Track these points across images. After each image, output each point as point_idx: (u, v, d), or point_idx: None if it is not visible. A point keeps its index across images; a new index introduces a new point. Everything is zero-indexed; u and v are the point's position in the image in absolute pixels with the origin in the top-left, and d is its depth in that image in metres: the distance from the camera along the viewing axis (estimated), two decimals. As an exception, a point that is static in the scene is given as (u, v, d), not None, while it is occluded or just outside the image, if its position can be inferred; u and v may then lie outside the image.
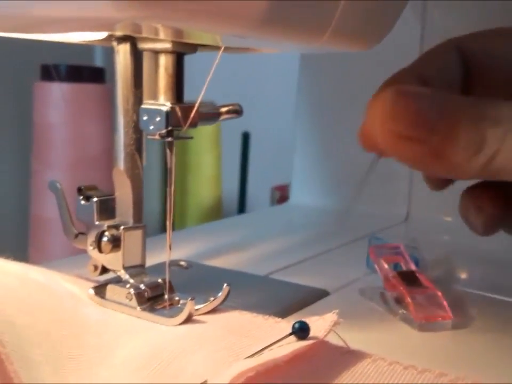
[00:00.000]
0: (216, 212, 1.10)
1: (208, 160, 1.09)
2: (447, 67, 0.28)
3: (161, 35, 0.25)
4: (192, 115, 0.28)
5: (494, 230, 0.30)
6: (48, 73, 0.85)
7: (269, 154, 1.13)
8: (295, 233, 0.49)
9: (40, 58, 0.83)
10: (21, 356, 0.23)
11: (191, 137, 0.30)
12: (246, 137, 1.09)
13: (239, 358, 0.23)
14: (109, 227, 0.30)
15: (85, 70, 0.87)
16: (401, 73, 0.28)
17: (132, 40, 0.28)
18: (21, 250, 0.91)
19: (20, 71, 0.97)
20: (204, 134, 1.06)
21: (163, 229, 0.29)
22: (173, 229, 0.30)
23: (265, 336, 0.25)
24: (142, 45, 0.28)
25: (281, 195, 0.96)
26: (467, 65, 0.28)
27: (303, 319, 0.24)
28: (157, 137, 0.28)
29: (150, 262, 0.32)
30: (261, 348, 0.23)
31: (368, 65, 0.47)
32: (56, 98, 0.84)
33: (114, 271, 0.30)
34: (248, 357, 0.22)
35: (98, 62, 1.11)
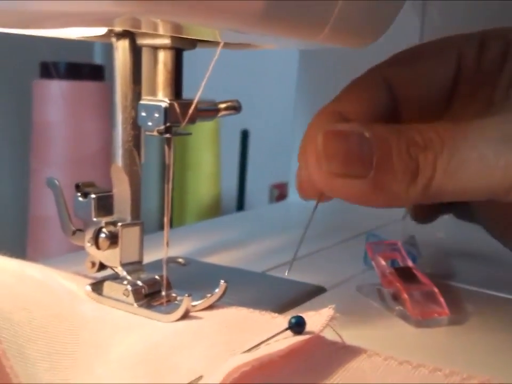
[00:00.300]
0: (215, 209, 1.10)
1: (207, 158, 1.09)
2: (372, 99, 0.28)
3: (160, 30, 0.25)
4: (190, 111, 0.28)
5: (430, 217, 0.31)
6: (48, 70, 0.85)
7: (268, 152, 1.13)
8: (293, 230, 0.49)
9: (39, 56, 0.83)
10: (17, 351, 0.23)
11: (190, 134, 0.30)
12: (245, 135, 1.09)
13: (235, 353, 0.23)
14: (107, 224, 0.30)
15: (84, 68, 0.86)
16: (323, 113, 0.28)
17: (130, 36, 0.28)
18: (19, 248, 0.91)
19: (19, 68, 0.97)
20: (203, 131, 1.06)
21: (161, 226, 0.29)
22: (172, 226, 0.30)
23: (261, 331, 0.25)
24: (141, 41, 0.28)
25: (280, 193, 0.96)
26: (393, 93, 0.29)
27: (300, 314, 0.25)
28: (155, 133, 0.28)
29: (148, 258, 0.32)
30: (257, 343, 0.23)
31: (367, 63, 0.47)
32: (56, 96, 0.84)
33: (111, 267, 0.30)
34: (244, 352, 0.23)
35: (98, 59, 1.11)
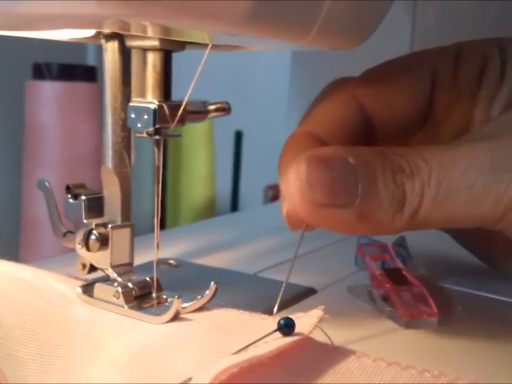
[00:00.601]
0: (209, 211, 1.10)
1: (201, 159, 1.09)
2: (345, 119, 0.27)
3: (149, 32, 0.25)
4: (179, 113, 0.28)
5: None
6: (40, 71, 0.85)
7: (261, 153, 1.13)
8: (286, 231, 0.49)
9: (31, 57, 0.83)
10: (6, 354, 0.23)
11: (180, 135, 0.30)
12: (238, 136, 1.09)
13: (225, 355, 0.23)
14: (97, 225, 0.30)
15: (77, 69, 0.86)
16: (297, 137, 0.26)
17: (120, 37, 0.28)
18: (12, 249, 0.90)
19: (11, 69, 0.97)
20: (196, 133, 1.05)
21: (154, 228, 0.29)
22: (164, 227, 0.30)
23: (251, 332, 0.25)
24: (130, 43, 0.28)
25: (274, 194, 0.96)
26: (366, 113, 0.28)
27: (289, 316, 0.25)
28: (144, 135, 0.28)
29: (140, 260, 0.32)
30: (246, 345, 0.23)
31: (359, 63, 0.47)
32: (48, 97, 0.84)
33: (102, 269, 0.30)
34: (234, 353, 0.23)
35: (91, 60, 1.11)
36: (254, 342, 0.23)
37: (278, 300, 0.28)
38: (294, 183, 0.23)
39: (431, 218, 0.23)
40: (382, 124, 0.28)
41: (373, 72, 0.29)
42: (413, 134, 0.29)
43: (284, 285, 0.28)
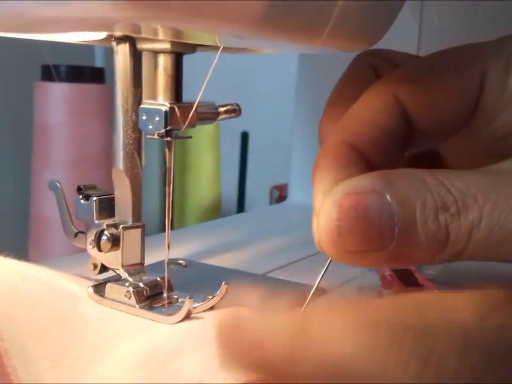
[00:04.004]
0: (215, 211, 1.10)
1: (207, 160, 1.09)
2: (385, 124, 0.24)
3: (160, 35, 0.26)
4: (190, 115, 0.28)
5: None
6: (49, 73, 0.85)
7: (268, 154, 1.14)
8: (294, 232, 0.50)
9: (40, 59, 0.83)
10: (19, 350, 0.23)
11: (190, 137, 0.30)
12: (245, 137, 1.09)
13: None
14: (108, 226, 0.30)
15: (85, 70, 0.87)
16: (332, 151, 0.24)
17: (131, 40, 0.29)
18: (21, 249, 0.91)
19: (20, 71, 0.98)
20: (203, 133, 1.06)
21: (162, 228, 0.30)
22: (172, 228, 0.30)
23: None
24: (141, 45, 0.28)
25: (280, 194, 0.96)
26: (406, 115, 0.25)
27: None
28: (155, 136, 0.28)
29: (149, 260, 0.32)
30: None
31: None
32: (57, 98, 0.85)
33: (113, 269, 0.31)
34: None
35: (99, 62, 1.11)
36: None
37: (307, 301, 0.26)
38: (324, 228, 0.21)
39: (476, 258, 0.21)
40: (422, 128, 0.25)
41: (415, 69, 0.26)
42: (450, 137, 0.26)
43: (314, 288, 0.27)
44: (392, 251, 0.20)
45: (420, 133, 0.25)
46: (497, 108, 0.25)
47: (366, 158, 0.24)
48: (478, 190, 0.20)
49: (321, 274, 0.26)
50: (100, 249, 0.30)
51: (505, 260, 0.21)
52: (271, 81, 1.15)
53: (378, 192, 0.20)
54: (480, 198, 0.20)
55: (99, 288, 0.30)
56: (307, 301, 0.26)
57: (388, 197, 0.20)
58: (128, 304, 0.29)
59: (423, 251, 0.20)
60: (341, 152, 0.24)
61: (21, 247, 0.91)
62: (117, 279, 0.30)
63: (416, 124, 0.25)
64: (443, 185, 0.20)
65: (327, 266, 0.25)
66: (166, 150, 0.28)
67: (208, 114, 0.30)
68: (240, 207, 1.11)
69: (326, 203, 0.21)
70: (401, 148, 0.25)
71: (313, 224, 0.23)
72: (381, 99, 0.25)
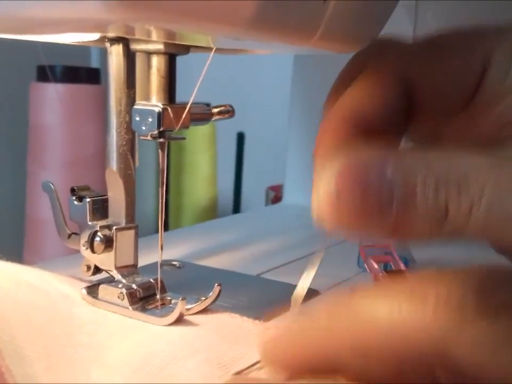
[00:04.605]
0: (211, 212, 1.10)
1: (203, 160, 1.09)
2: (390, 96, 0.24)
3: (154, 36, 0.26)
4: (183, 116, 0.28)
5: None
6: (44, 73, 0.85)
7: (263, 155, 1.14)
8: (289, 233, 0.50)
9: (36, 59, 0.83)
10: (13, 352, 0.23)
11: (184, 138, 0.30)
12: (241, 138, 1.09)
13: (228, 370, 0.23)
14: (102, 227, 0.30)
15: (81, 71, 0.87)
16: (339, 116, 0.24)
17: (124, 41, 0.29)
18: (16, 251, 0.91)
19: (15, 71, 0.97)
20: (199, 134, 1.06)
21: (157, 229, 0.30)
22: (168, 229, 0.30)
23: (254, 343, 0.25)
24: (135, 46, 0.28)
25: (276, 195, 0.96)
26: (411, 93, 0.25)
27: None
28: (149, 138, 0.28)
29: (143, 261, 0.32)
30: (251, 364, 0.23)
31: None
32: (52, 99, 0.84)
33: (107, 271, 0.31)
34: (237, 373, 0.23)
35: (94, 63, 1.11)
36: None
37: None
38: (323, 193, 0.21)
39: (476, 236, 0.21)
40: (423, 103, 0.25)
41: (421, 46, 0.26)
42: (450, 118, 0.26)
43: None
44: (390, 222, 0.20)
45: (420, 110, 0.26)
46: (499, 93, 0.25)
47: (366, 132, 0.24)
48: (479, 169, 0.20)
49: (313, 272, 0.26)
50: (93, 251, 0.30)
51: (508, 240, 0.20)
52: (267, 82, 1.15)
53: (379, 162, 0.21)
54: (481, 176, 0.20)
55: (92, 290, 0.30)
56: (299, 303, 0.26)
57: (389, 169, 0.20)
58: (121, 306, 0.29)
59: (421, 225, 0.20)
60: (340, 127, 0.24)
61: (16, 248, 0.91)
62: (110, 281, 0.30)
63: (418, 98, 0.25)
64: (445, 162, 0.20)
65: (319, 263, 0.26)
66: (159, 151, 0.28)
67: (202, 115, 0.30)
68: (236, 208, 1.11)
69: (326, 171, 0.21)
70: (402, 124, 0.25)
71: (312, 196, 0.23)
72: (382, 73, 0.25)
